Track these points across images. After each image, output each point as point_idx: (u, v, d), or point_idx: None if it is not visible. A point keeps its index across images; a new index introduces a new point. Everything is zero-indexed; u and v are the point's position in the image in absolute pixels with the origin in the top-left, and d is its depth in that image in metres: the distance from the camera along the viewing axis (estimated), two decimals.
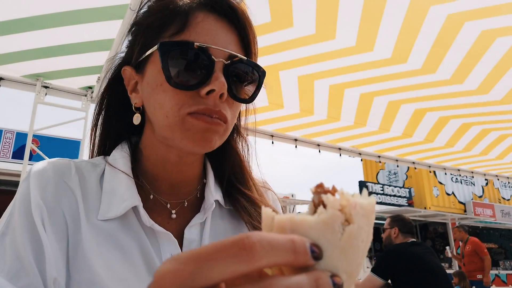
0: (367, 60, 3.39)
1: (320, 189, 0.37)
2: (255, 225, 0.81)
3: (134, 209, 0.75)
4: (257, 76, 0.77)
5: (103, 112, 0.86)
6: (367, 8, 2.77)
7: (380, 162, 6.16)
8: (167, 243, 0.74)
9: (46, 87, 3.90)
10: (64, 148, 9.48)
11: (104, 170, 0.79)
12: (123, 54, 0.84)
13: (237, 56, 0.72)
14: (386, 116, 4.55)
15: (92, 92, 4.13)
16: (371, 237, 0.36)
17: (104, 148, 0.86)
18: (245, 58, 0.74)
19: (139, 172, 0.81)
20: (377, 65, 3.45)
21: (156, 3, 0.77)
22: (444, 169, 6.76)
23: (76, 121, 4.28)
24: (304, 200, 11.81)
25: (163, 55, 0.69)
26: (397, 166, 6.35)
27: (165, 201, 0.80)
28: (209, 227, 0.80)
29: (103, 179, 0.77)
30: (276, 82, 3.79)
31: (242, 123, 0.92)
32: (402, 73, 3.59)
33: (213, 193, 0.83)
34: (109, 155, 0.82)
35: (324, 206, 0.35)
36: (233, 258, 0.29)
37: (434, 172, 7.15)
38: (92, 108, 4.22)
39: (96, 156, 0.86)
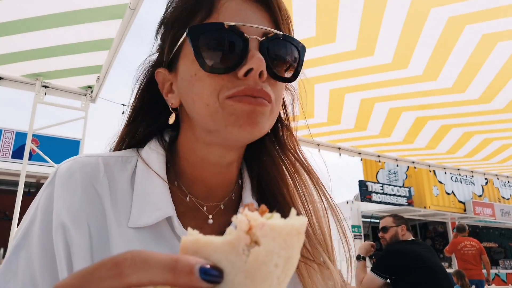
0: (367, 64, 3.38)
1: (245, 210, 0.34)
2: None
3: (168, 218, 0.70)
4: (297, 52, 0.71)
5: (135, 113, 0.82)
6: (367, 11, 2.76)
7: (379, 161, 6.15)
8: None
9: (45, 86, 3.89)
10: (63, 147, 9.48)
11: (135, 168, 0.74)
12: (153, 57, 0.82)
13: (271, 32, 0.67)
14: (387, 123, 4.54)
15: (91, 92, 4.12)
16: (293, 264, 0.33)
17: (135, 141, 0.81)
18: (281, 33, 0.68)
19: (176, 173, 0.77)
20: (378, 70, 3.43)
21: None
22: (444, 168, 6.76)
23: (76, 121, 4.27)
24: None
25: (193, 40, 0.66)
26: (397, 165, 6.34)
27: (202, 203, 0.77)
28: None
29: (134, 179, 0.72)
30: None
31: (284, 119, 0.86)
32: (403, 79, 3.57)
33: (251, 198, 0.80)
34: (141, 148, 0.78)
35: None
36: (107, 272, 0.30)
37: (434, 171, 7.14)
38: (91, 107, 4.22)
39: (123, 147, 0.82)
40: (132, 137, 0.81)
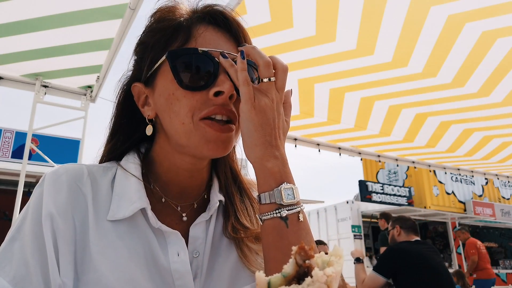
0: (367, 63, 3.37)
1: (302, 253, 0.44)
2: (235, 226, 0.88)
3: (143, 211, 0.79)
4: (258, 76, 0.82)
5: (114, 125, 0.90)
6: (367, 10, 2.76)
7: (380, 161, 6.15)
8: (175, 242, 0.79)
9: (45, 86, 3.89)
10: (63, 147, 9.47)
11: (115, 174, 0.84)
12: (130, 73, 0.90)
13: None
14: (386, 121, 4.54)
15: (91, 92, 4.12)
16: None
17: (115, 154, 0.90)
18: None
19: (151, 178, 0.86)
20: (377, 69, 3.43)
21: (158, 23, 0.83)
22: (444, 168, 6.76)
23: (76, 121, 4.27)
24: (303, 200, 11.82)
25: (172, 62, 0.77)
26: (397, 165, 6.34)
27: (176, 204, 0.86)
28: (213, 225, 0.86)
29: (114, 182, 0.82)
30: None
31: None
32: (403, 77, 3.57)
33: (217, 194, 0.89)
34: (120, 160, 0.87)
35: (309, 272, 0.42)
36: None
37: (434, 171, 7.13)
38: (91, 107, 4.22)
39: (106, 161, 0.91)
40: (112, 153, 0.90)
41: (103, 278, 0.70)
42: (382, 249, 7.02)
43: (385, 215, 7.02)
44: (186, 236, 0.81)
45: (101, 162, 0.90)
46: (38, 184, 0.77)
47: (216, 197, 0.88)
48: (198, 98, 0.75)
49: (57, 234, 0.70)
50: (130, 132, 0.90)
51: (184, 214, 0.85)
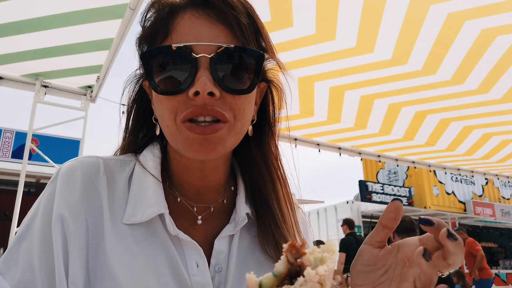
0: (367, 61, 3.38)
1: (294, 251, 0.43)
2: (277, 241, 0.79)
3: (160, 215, 0.74)
4: (253, 60, 0.69)
5: (133, 124, 0.84)
6: (367, 8, 2.77)
7: (380, 161, 6.15)
8: (192, 252, 0.73)
9: (45, 86, 3.89)
10: (63, 147, 9.47)
11: (133, 170, 0.78)
12: (138, 71, 0.84)
13: (222, 46, 0.66)
14: (386, 119, 4.54)
15: (91, 92, 4.12)
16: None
17: (136, 148, 0.84)
18: (232, 45, 0.67)
19: (168, 176, 0.81)
20: (377, 66, 3.44)
21: (143, 21, 0.76)
22: (444, 168, 6.76)
23: (76, 121, 4.27)
24: (303, 200, 11.80)
25: (145, 65, 0.69)
26: (397, 165, 6.34)
27: (192, 204, 0.79)
28: (237, 240, 0.79)
29: (131, 180, 0.76)
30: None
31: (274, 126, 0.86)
32: (403, 75, 3.58)
33: (244, 205, 0.81)
34: (140, 152, 0.82)
35: (301, 271, 0.41)
36: None
37: (434, 171, 7.14)
38: (91, 107, 4.22)
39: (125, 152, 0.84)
40: (131, 146, 0.84)
41: (119, 286, 0.65)
42: (341, 255, 7.07)
43: (347, 221, 7.14)
44: (202, 242, 0.76)
45: (120, 154, 0.84)
46: (52, 178, 0.72)
47: (244, 209, 0.80)
48: (179, 98, 0.66)
49: (68, 237, 0.66)
50: (148, 129, 0.84)
51: (199, 217, 0.79)
